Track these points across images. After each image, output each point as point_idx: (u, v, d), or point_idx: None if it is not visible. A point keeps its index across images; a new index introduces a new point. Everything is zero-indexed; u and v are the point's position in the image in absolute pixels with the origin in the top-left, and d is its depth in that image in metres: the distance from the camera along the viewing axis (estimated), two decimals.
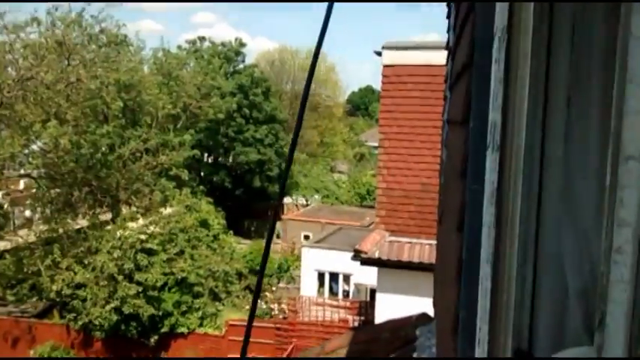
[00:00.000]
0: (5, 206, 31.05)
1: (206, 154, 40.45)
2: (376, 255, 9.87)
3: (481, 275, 0.93)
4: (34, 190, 26.89)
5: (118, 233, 21.68)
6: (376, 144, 11.02)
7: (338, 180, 49.00)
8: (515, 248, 0.79)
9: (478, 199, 1.02)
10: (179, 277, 22.19)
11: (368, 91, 79.44)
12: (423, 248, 9.72)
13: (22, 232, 27.57)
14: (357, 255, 9.98)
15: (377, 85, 11.69)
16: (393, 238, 10.11)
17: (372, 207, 23.21)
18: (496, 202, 0.78)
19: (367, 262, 10.05)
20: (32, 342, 22.65)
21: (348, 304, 23.29)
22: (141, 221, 22.97)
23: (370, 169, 44.84)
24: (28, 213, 32.21)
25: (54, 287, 21.11)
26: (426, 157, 9.45)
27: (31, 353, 21.94)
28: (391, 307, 9.09)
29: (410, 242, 9.96)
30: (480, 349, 0.98)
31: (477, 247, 1.03)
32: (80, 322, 21.25)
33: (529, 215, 0.84)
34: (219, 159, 40.35)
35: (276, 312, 26.89)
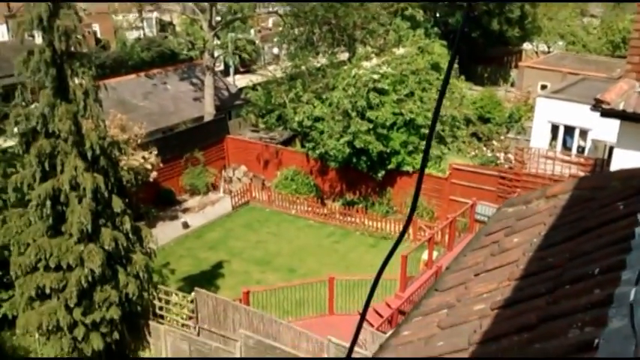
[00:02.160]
0: (257, 42, 34.38)
1: None
2: (620, 107, 8.93)
3: None
4: (280, 29, 29.07)
5: (353, 72, 22.74)
6: None
7: (588, 25, 43.59)
8: None
9: None
10: (407, 118, 22.85)
11: None
12: None
13: (271, 67, 30.57)
14: (598, 105, 9.14)
15: None
16: None
17: (625, 57, 20.46)
18: None
19: (609, 113, 9.15)
20: (279, 164, 26.02)
21: (581, 160, 21.91)
22: (374, 61, 23.64)
23: (631, 12, 38.75)
24: (275, 50, 35.29)
25: (296, 118, 23.53)
26: None
27: (278, 174, 25.26)
28: (630, 165, 8.40)
29: None
30: None
31: None
32: (317, 152, 23.53)
33: None
34: None
35: (502, 161, 26.55)
